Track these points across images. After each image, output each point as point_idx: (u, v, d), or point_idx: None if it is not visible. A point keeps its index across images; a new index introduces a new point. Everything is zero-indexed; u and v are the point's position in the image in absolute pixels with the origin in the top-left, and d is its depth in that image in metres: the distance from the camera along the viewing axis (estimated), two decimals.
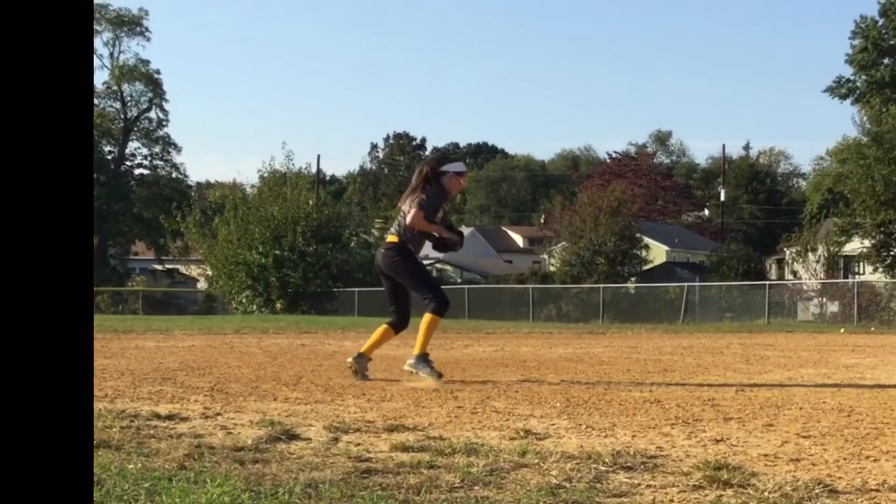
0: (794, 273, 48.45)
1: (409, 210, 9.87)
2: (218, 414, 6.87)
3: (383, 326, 10.11)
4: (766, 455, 5.31)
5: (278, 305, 48.83)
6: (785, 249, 53.78)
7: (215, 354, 13.59)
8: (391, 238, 10.11)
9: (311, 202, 51.37)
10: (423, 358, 9.58)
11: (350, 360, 9.91)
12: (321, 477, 4.47)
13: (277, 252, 48.95)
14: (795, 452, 5.39)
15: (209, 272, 53.88)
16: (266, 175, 53.64)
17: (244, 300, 50.16)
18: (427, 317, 9.78)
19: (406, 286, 10.14)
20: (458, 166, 10.37)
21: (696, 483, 4.55)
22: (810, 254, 47.87)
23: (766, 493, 4.31)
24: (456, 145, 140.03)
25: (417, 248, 10.15)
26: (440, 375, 9.47)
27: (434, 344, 17.26)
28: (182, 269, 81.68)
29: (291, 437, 5.78)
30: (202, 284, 59.19)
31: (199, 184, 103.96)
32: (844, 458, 5.21)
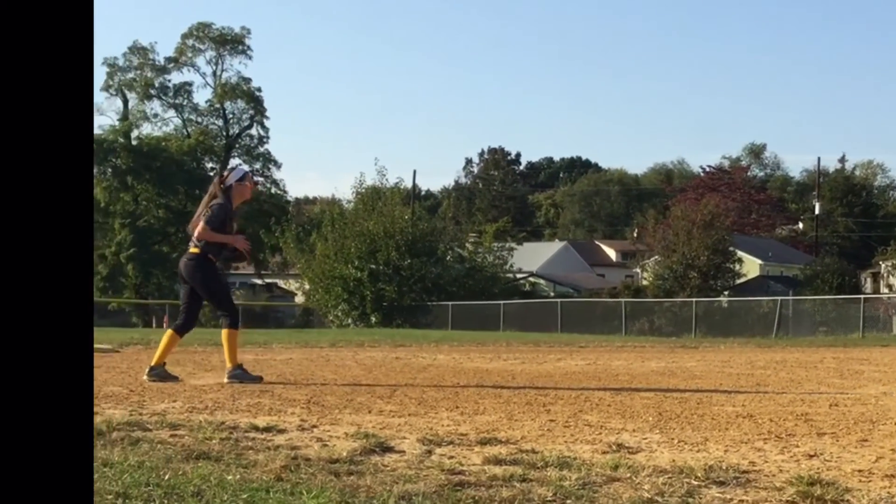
0: (890, 286, 47.66)
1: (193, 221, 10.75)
2: (314, 426, 6.95)
3: (169, 332, 10.88)
4: (860, 471, 5.27)
5: (373, 319, 49.07)
6: (880, 263, 52.98)
7: (312, 367, 13.71)
8: (193, 249, 10.71)
9: (405, 217, 51.63)
10: (238, 368, 10.52)
11: (145, 377, 10.51)
12: (414, 489, 4.53)
13: (373, 266, 49.24)
14: (891, 468, 5.34)
15: (306, 286, 54.30)
16: (360, 191, 54.07)
17: (340, 314, 50.50)
18: (224, 332, 10.70)
19: (202, 295, 10.79)
20: (237, 174, 11.15)
21: (789, 499, 4.54)
22: None
23: None
24: (550, 159, 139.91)
25: (217, 257, 10.79)
26: (260, 379, 10.53)
27: (526, 358, 17.33)
28: (281, 283, 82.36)
29: (385, 449, 5.85)
30: (300, 298, 59.62)
31: (297, 199, 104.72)
32: None
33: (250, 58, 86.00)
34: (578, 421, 7.39)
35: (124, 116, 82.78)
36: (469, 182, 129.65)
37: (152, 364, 10.64)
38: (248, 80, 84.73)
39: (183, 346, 18.86)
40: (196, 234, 10.56)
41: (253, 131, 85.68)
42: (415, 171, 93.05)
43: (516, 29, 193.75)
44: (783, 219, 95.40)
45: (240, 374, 10.47)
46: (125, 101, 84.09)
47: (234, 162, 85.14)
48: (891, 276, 48.05)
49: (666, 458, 5.61)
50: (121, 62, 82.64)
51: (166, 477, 4.68)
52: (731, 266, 54.84)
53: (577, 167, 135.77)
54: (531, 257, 73.79)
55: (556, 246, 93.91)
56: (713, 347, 24.59)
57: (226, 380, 10.42)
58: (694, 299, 45.23)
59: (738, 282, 56.09)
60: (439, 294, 49.83)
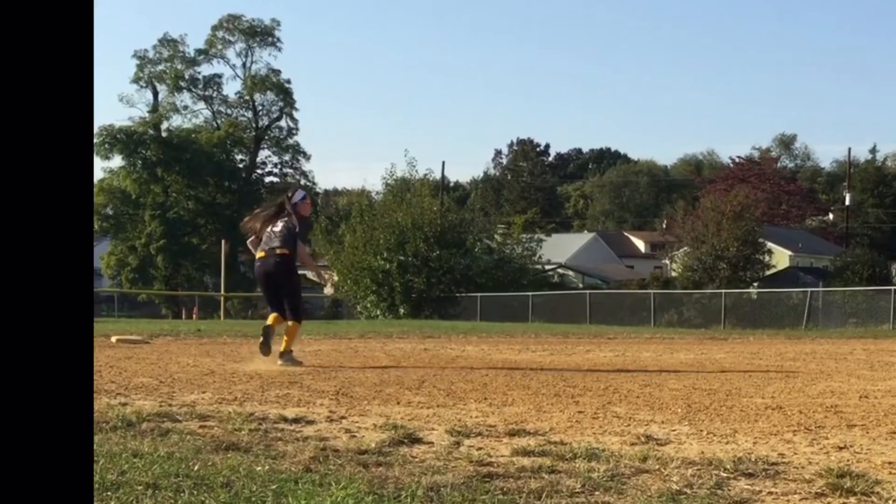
0: None
1: (279, 230, 12.60)
2: (342, 417, 6.98)
3: (274, 315, 12.50)
4: (890, 463, 5.25)
5: (402, 310, 49.07)
6: None
7: (340, 358, 13.75)
8: (282, 251, 12.50)
9: (434, 208, 51.61)
10: (290, 353, 12.32)
11: (279, 362, 12.13)
12: (443, 481, 4.54)
13: (402, 258, 49.22)
14: None
15: (335, 277, 54.37)
16: (390, 182, 54.12)
17: (369, 305, 50.52)
18: (291, 324, 12.48)
19: (286, 290, 12.61)
20: (300, 194, 13.13)
21: (819, 490, 4.53)
22: None
23: (890, 502, 4.28)
24: (579, 150, 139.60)
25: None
26: (301, 364, 12.26)
27: (555, 349, 17.32)
28: (310, 274, 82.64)
29: (414, 440, 5.86)
30: (329, 290, 59.67)
31: (326, 191, 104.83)
32: None
33: (280, 49, 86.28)
34: (607, 412, 7.39)
35: (154, 109, 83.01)
36: (498, 173, 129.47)
37: (282, 350, 12.29)
38: (277, 72, 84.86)
39: (212, 338, 18.96)
40: (300, 257, 12.73)
41: (282, 123, 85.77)
42: (443, 163, 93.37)
43: (545, 19, 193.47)
44: (813, 210, 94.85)
45: (289, 358, 12.21)
46: (155, 94, 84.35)
47: (262, 154, 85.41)
48: None
49: (695, 450, 5.60)
50: (151, 54, 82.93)
51: (196, 468, 4.70)
52: (761, 257, 54.57)
53: (606, 158, 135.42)
54: (560, 248, 73.61)
55: (584, 237, 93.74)
56: (742, 339, 24.52)
57: (279, 360, 12.06)
58: (723, 291, 45.01)
59: (768, 273, 55.81)
60: (468, 285, 49.75)
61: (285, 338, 12.40)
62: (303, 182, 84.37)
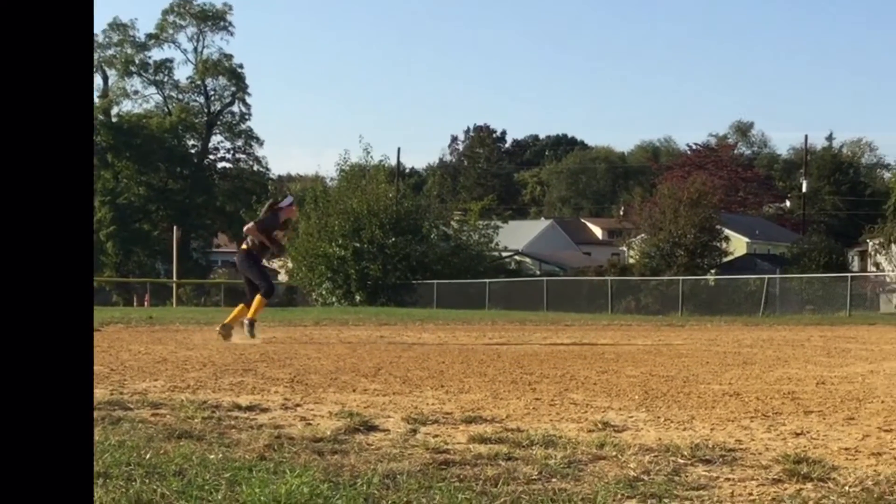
0: (877, 265, 47.69)
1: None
2: (298, 405, 6.93)
3: (241, 305, 14.88)
4: (846, 449, 5.26)
5: (357, 297, 49.04)
6: (868, 241, 53.02)
7: (295, 346, 13.69)
8: (243, 247, 15.33)
9: (390, 195, 51.58)
10: (252, 324, 14.35)
11: (219, 329, 14.55)
12: (399, 468, 4.50)
13: (357, 244, 49.18)
14: (877, 446, 5.33)
15: (290, 264, 54.22)
16: (345, 168, 54.01)
17: (324, 292, 50.45)
18: (258, 297, 14.49)
19: (251, 278, 14.90)
20: (287, 200, 15.67)
21: (776, 476, 4.53)
22: (893, 245, 47.04)
23: (846, 488, 4.27)
24: (536, 137, 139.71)
25: (261, 254, 15.07)
26: (256, 340, 14.05)
27: (511, 336, 17.33)
28: (264, 261, 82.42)
29: (370, 428, 5.82)
30: (283, 277, 59.52)
31: (280, 177, 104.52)
32: None
33: (232, 34, 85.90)
34: (564, 399, 7.37)
35: (104, 94, 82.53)
36: (454, 160, 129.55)
37: (249, 318, 14.40)
38: (229, 57, 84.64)
39: (164, 325, 18.85)
40: (245, 228, 15.30)
41: (235, 108, 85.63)
42: (399, 149, 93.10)
43: (502, 5, 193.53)
44: (770, 197, 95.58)
45: (251, 328, 14.22)
46: (105, 79, 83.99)
47: (215, 139, 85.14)
48: (878, 255, 48.03)
49: (652, 437, 5.59)
50: (100, 39, 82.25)
51: (147, 456, 4.65)
52: (718, 244, 54.94)
53: (563, 145, 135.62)
54: (517, 235, 73.73)
55: (541, 224, 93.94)
56: (700, 326, 24.65)
57: (245, 324, 14.29)
58: (681, 277, 45.28)
59: (725, 260, 56.21)
60: (424, 272, 49.79)
61: (253, 307, 14.43)
62: (255, 168, 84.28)
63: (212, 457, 4.69)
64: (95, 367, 9.52)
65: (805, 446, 5.29)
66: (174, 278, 54.23)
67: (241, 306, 14.79)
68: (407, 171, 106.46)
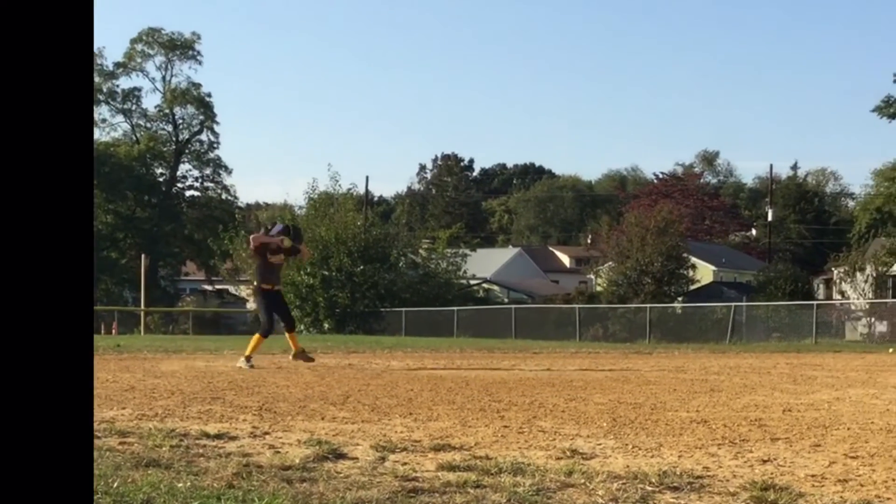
0: (842, 293, 47.83)
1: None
2: (266, 433, 6.91)
3: (288, 335, 16.53)
4: (813, 475, 5.29)
5: (326, 325, 48.96)
6: (833, 269, 53.20)
7: (264, 374, 13.65)
8: (262, 286, 15.98)
9: (358, 223, 51.58)
10: (250, 359, 14.97)
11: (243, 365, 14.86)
12: (368, 496, 4.50)
13: (325, 272, 49.12)
14: (843, 473, 5.36)
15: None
16: (313, 196, 53.96)
17: None
18: (256, 336, 15.61)
19: (259, 314, 16.08)
20: (279, 227, 16.55)
21: (743, 503, 4.55)
22: (858, 273, 47.22)
23: None
24: (503, 166, 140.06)
25: (269, 281, 15.93)
26: (252, 368, 14.62)
27: (480, 364, 17.33)
28: (232, 289, 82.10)
29: (339, 456, 5.81)
30: (251, 305, 59.31)
31: (249, 205, 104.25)
32: (893, 479, 5.18)
33: (200, 63, 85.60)
34: (532, 427, 7.38)
35: None
36: (422, 188, 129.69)
37: (246, 355, 15.15)
38: (198, 86, 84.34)
39: (132, 353, 18.76)
40: (249, 238, 16.63)
41: (203, 137, 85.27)
42: (367, 178, 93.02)
43: (468, 35, 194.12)
44: (736, 225, 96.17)
45: (247, 365, 14.73)
46: None
47: (183, 168, 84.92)
48: (843, 283, 48.22)
49: (620, 464, 5.61)
50: None
51: (115, 485, 4.62)
52: (685, 272, 55.10)
53: (531, 173, 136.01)
54: (485, 263, 73.75)
55: (509, 252, 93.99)
56: (667, 353, 24.70)
57: (238, 363, 14.96)
58: (648, 305, 45.41)
59: (692, 288, 56.36)
60: (392, 300, 49.76)
61: (251, 345, 15.37)
62: (224, 196, 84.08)
63: (180, 485, 4.67)
64: None
65: (772, 473, 5.32)
66: (142, 306, 53.91)
67: (288, 335, 16.43)
68: (375, 199, 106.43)
